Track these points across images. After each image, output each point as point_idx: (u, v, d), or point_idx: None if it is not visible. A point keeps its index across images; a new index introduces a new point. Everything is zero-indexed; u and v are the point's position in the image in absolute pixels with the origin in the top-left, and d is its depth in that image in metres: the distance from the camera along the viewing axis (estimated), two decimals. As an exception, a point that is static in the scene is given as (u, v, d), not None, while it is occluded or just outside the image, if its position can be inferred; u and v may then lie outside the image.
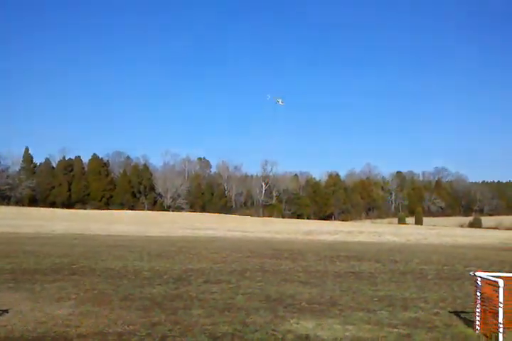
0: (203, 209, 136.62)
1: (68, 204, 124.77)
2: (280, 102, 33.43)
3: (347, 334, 9.11)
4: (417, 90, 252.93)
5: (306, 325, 9.69)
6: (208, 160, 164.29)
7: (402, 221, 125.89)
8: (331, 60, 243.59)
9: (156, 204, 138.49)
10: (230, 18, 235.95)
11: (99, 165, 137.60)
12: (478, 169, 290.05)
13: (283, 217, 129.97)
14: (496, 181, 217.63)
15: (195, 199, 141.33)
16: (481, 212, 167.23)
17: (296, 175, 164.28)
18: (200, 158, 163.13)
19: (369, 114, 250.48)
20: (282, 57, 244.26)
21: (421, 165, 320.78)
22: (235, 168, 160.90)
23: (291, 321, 10.05)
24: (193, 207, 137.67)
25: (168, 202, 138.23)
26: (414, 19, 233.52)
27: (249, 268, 19.20)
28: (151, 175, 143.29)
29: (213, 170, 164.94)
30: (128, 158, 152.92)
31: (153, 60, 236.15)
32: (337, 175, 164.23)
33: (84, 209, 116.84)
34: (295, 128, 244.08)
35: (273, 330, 9.27)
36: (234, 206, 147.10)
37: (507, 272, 13.27)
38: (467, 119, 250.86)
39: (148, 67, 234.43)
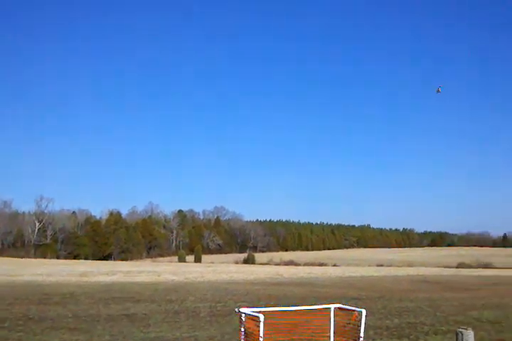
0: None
1: None
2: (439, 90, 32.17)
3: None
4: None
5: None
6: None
7: (182, 259, 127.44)
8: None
9: None
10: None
11: None
12: (253, 208, 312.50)
13: (58, 258, 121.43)
14: (268, 220, 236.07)
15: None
16: (255, 248, 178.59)
17: (74, 212, 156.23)
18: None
19: (151, 154, 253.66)
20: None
21: (201, 204, 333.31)
22: (4, 204, 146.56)
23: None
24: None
25: None
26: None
27: (10, 317, 17.27)
28: None
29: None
30: None
31: None
32: (118, 213, 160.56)
33: None
34: (74, 164, 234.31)
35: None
36: (1, 247, 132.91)
37: (273, 305, 14.20)
38: (239, 163, 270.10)
39: None
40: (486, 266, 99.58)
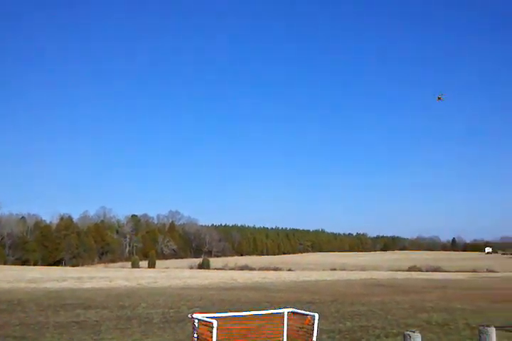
0: None
1: None
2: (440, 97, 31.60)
3: None
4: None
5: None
6: None
7: (135, 264, 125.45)
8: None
9: None
10: None
11: None
12: (207, 213, 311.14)
13: (5, 264, 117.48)
14: (223, 224, 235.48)
15: None
16: (210, 253, 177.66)
17: (23, 217, 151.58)
18: None
19: (104, 157, 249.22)
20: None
21: (156, 208, 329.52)
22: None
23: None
24: None
25: None
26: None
27: (-47, 326, 16.56)
28: None
29: None
30: None
31: None
32: (69, 217, 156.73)
33: None
34: (23, 167, 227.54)
35: None
36: None
37: (227, 311, 14.13)
38: (194, 167, 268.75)
39: None
40: (436, 269, 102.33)
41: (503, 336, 14.88)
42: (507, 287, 45.26)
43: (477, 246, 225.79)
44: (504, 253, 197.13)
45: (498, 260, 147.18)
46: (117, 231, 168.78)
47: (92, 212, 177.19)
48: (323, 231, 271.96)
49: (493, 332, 7.98)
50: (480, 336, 7.95)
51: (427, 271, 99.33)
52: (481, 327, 8.09)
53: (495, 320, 18.95)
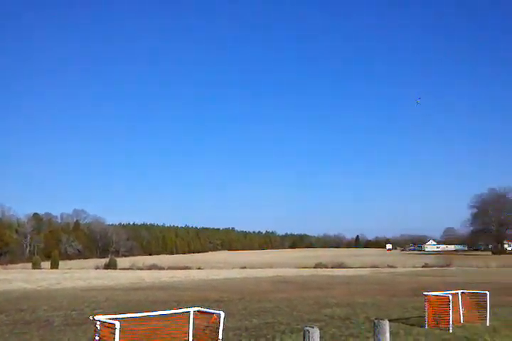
0: None
1: None
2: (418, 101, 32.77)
3: None
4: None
5: None
6: None
7: (36, 265, 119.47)
8: None
9: None
10: None
11: None
12: (115, 212, 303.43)
13: None
14: (131, 223, 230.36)
15: None
16: (117, 253, 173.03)
17: None
18: None
19: (3, 152, 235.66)
20: None
21: (60, 206, 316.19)
22: None
23: None
24: None
25: None
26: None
27: None
28: None
29: None
30: None
31: None
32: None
33: None
34: None
35: None
36: None
37: (133, 311, 13.78)
38: (102, 164, 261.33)
39: None
40: (340, 265, 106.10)
41: (399, 328, 15.73)
42: (404, 281, 47.90)
43: (379, 243, 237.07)
44: (403, 250, 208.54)
45: (398, 256, 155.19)
46: (17, 231, 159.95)
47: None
48: (233, 230, 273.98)
49: (386, 324, 8.41)
50: (375, 329, 8.35)
51: (332, 267, 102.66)
52: (375, 321, 8.49)
53: (392, 313, 20.00)
